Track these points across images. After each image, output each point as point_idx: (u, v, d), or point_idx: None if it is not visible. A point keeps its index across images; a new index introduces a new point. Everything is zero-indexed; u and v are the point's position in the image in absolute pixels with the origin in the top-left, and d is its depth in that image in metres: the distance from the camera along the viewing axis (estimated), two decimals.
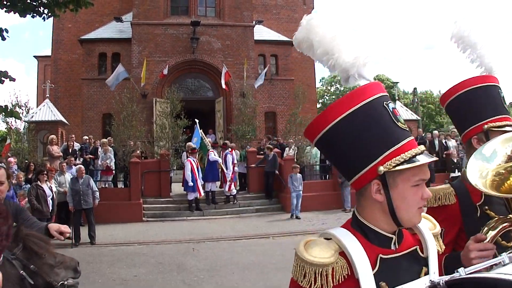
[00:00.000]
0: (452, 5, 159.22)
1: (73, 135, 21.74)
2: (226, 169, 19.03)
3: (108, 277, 9.89)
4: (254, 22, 28.66)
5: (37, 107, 25.74)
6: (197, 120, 21.98)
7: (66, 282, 3.00)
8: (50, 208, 13.11)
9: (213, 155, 19.05)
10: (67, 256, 3.15)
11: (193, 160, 18.29)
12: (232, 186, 19.06)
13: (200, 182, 18.19)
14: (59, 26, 31.73)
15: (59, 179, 15.27)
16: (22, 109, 18.47)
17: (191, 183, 17.86)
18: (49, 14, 10.44)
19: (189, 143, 19.86)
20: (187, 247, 13.16)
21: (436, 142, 22.97)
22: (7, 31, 9.53)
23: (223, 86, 25.53)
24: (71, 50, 31.43)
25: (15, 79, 8.87)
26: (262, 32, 29.99)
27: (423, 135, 24.40)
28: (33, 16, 10.24)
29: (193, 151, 18.75)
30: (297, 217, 17.34)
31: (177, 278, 9.82)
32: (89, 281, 9.41)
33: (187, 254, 12.20)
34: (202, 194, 18.43)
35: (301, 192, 17.64)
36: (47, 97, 24.95)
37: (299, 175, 17.82)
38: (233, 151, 20.12)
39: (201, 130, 20.89)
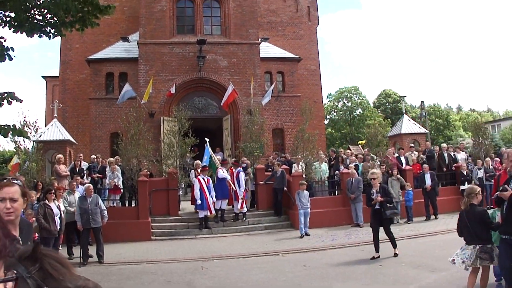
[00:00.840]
0: (458, 18, 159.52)
1: (81, 154, 21.81)
2: (239, 187, 18.90)
3: None
4: (259, 39, 28.73)
5: (45, 126, 25.84)
6: (207, 139, 21.97)
7: None
8: (58, 227, 13.05)
9: (222, 173, 18.92)
10: (91, 281, 3.06)
11: (203, 178, 18.21)
12: (244, 204, 18.93)
13: (211, 200, 18.11)
14: (66, 47, 31.99)
15: (69, 199, 15.29)
16: (31, 129, 18.50)
17: (199, 201, 17.85)
18: (56, 33, 10.47)
19: (197, 161, 19.80)
20: (196, 265, 13.07)
21: (445, 155, 22.85)
22: (13, 50, 9.55)
23: (222, 103, 25.65)
24: (79, 70, 31.62)
25: (22, 100, 8.88)
26: (268, 49, 30.07)
27: (432, 148, 24.26)
28: (40, 36, 10.27)
29: (203, 169, 18.74)
30: (306, 234, 17.05)
31: None
32: None
33: (196, 273, 12.12)
34: (213, 212, 18.39)
35: (309, 209, 17.44)
36: (55, 117, 25.09)
37: (306, 192, 17.62)
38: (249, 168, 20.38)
39: (210, 149, 20.92)
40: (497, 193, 8.09)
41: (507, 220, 7.76)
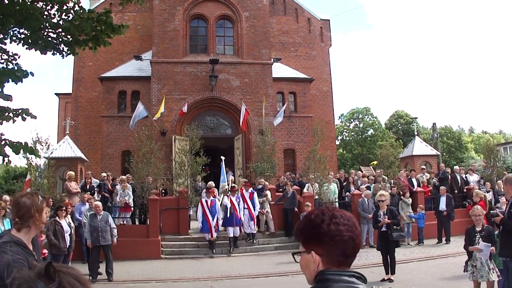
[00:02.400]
0: (470, 40, 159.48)
1: (89, 172, 21.85)
2: (254, 208, 18.79)
3: None
4: (272, 59, 28.82)
5: (57, 143, 25.98)
6: (223, 158, 21.99)
7: None
8: (68, 244, 13.05)
9: (226, 200, 18.83)
10: None
11: (206, 201, 18.07)
12: (247, 223, 18.77)
13: (213, 223, 17.85)
14: (80, 64, 32.22)
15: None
16: (43, 146, 18.61)
17: (200, 225, 18.01)
18: (69, 51, 10.54)
19: (210, 182, 19.71)
20: (205, 284, 13.03)
21: (458, 177, 22.72)
22: (32, 74, 9.61)
23: (241, 124, 25.60)
24: (92, 87, 31.81)
25: (36, 116, 8.91)
26: (280, 70, 30.14)
27: (445, 170, 24.09)
28: (53, 54, 10.32)
29: (208, 191, 18.58)
30: None
31: None
32: None
33: None
34: (214, 235, 17.97)
35: None
36: (67, 134, 25.25)
37: None
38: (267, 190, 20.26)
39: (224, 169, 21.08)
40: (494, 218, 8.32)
41: (502, 243, 8.00)
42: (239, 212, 18.40)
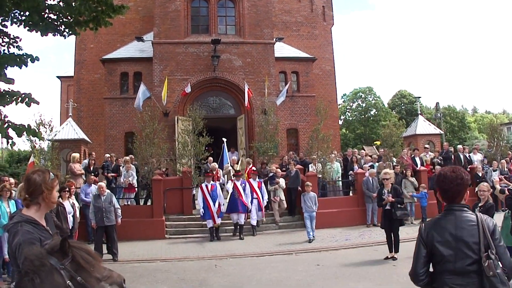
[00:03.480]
0: (474, 19, 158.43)
1: (93, 153, 21.88)
2: (262, 198, 18.12)
3: None
4: (274, 39, 28.65)
5: (60, 126, 26.00)
6: (224, 139, 21.96)
7: None
8: (71, 225, 13.10)
9: (229, 185, 18.54)
10: (114, 272, 3.18)
11: (206, 186, 17.29)
12: (255, 214, 17.88)
13: (214, 209, 16.94)
14: (81, 47, 32.11)
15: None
16: (46, 128, 18.60)
17: (202, 211, 17.12)
18: (70, 32, 10.51)
19: (213, 164, 19.63)
20: (209, 263, 13.10)
21: (461, 156, 22.66)
22: (38, 59, 9.58)
23: (246, 104, 25.54)
24: (93, 70, 31.72)
25: (38, 102, 8.91)
26: (282, 49, 30.00)
27: (449, 149, 24.01)
28: (54, 35, 10.30)
29: (207, 175, 18.10)
30: (310, 241, 16.05)
31: None
32: None
33: (210, 271, 12.13)
34: (218, 222, 17.10)
35: (314, 213, 16.33)
36: (70, 116, 25.23)
37: (312, 194, 16.53)
38: (281, 178, 19.34)
39: (226, 150, 21.01)
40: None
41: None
42: (245, 199, 17.52)
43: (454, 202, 3.87)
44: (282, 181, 19.16)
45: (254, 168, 19.86)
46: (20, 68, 9.24)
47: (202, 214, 17.15)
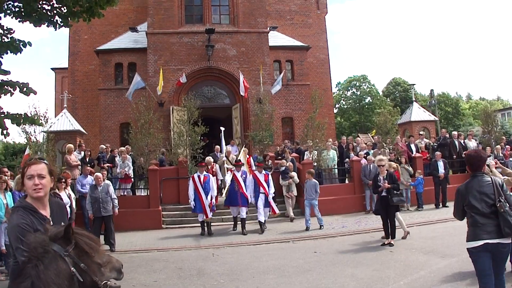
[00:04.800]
0: (468, 6, 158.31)
1: (83, 144, 21.91)
2: (269, 188, 16.64)
3: (128, 283, 9.84)
4: (268, 28, 28.63)
5: (55, 117, 25.95)
6: (222, 128, 21.93)
7: (108, 282, 3.08)
8: (68, 215, 13.09)
9: (227, 177, 17.87)
10: (113, 257, 3.25)
11: (198, 176, 16.18)
12: (262, 210, 16.35)
13: (207, 202, 15.87)
14: (75, 38, 31.98)
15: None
16: (41, 120, 18.56)
17: (193, 203, 16.09)
18: (62, 24, 10.48)
19: (208, 158, 19.28)
20: (207, 252, 13.14)
21: (456, 142, 22.76)
22: (30, 44, 9.56)
23: (242, 93, 25.51)
24: (88, 61, 31.64)
25: (36, 92, 8.91)
26: (276, 38, 29.97)
27: (445, 136, 24.07)
28: (47, 26, 10.28)
29: (200, 165, 16.99)
30: (320, 226, 16.01)
31: (197, 282, 9.76)
32: None
33: (207, 260, 12.16)
34: (210, 215, 16.02)
35: (314, 200, 16.10)
36: (65, 107, 25.18)
37: (313, 181, 16.28)
38: (291, 167, 18.95)
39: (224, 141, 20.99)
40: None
41: None
42: (246, 191, 16.39)
43: (477, 171, 6.14)
44: (296, 176, 18.92)
45: (258, 161, 19.40)
46: (15, 54, 9.23)
47: (193, 207, 16.23)
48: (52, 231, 2.88)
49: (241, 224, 16.14)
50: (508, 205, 5.87)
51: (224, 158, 20.41)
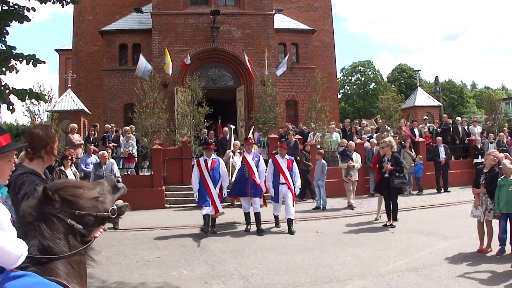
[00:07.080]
0: None
1: (97, 124, 21.98)
2: (294, 183, 13.17)
3: (131, 259, 9.94)
4: (274, 10, 28.54)
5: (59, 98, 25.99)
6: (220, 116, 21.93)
7: (114, 206, 3.14)
8: None
9: (236, 158, 16.25)
10: (104, 180, 3.31)
11: (205, 161, 12.95)
12: (291, 206, 13.01)
13: (215, 193, 12.74)
14: (79, 19, 31.92)
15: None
16: (46, 96, 18.62)
17: (196, 195, 13.07)
18: (69, 0, 10.43)
19: (236, 141, 18.96)
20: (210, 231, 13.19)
21: (460, 128, 22.82)
22: (34, 10, 9.50)
23: (253, 76, 25.63)
24: (92, 42, 31.59)
25: (44, 62, 8.88)
26: (282, 21, 29.91)
27: (448, 121, 24.08)
28: (53, 3, 10.23)
29: (206, 147, 13.60)
30: (323, 208, 16.32)
31: (200, 258, 9.84)
32: (112, 262, 9.51)
33: (210, 237, 12.23)
34: (220, 210, 12.98)
35: (320, 181, 16.41)
36: (69, 87, 25.18)
37: (322, 162, 16.60)
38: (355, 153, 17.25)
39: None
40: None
41: None
42: (258, 178, 13.06)
43: None
44: (358, 158, 17.11)
45: (280, 140, 17.61)
46: (21, 23, 9.14)
47: (197, 198, 13.21)
48: (36, 196, 2.91)
49: (256, 220, 12.97)
50: None
51: (231, 154, 17.78)
